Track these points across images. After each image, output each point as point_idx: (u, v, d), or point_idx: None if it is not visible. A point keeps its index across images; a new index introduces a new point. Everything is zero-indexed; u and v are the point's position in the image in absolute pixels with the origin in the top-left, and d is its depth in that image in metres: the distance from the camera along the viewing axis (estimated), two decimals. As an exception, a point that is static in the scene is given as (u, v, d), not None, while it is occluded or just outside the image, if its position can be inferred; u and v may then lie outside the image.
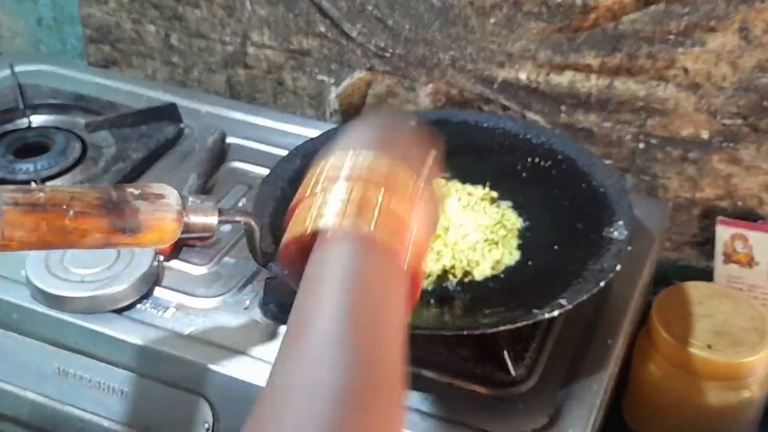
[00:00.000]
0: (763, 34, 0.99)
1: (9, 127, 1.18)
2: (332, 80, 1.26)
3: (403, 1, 1.15)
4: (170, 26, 1.34)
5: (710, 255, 1.12)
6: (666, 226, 1.06)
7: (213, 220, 0.77)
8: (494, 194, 0.96)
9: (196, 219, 0.76)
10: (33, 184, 1.00)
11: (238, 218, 0.82)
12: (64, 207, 0.68)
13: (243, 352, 0.84)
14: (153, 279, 0.91)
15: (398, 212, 0.59)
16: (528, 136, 1.02)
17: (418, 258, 0.61)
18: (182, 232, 0.75)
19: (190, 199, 0.77)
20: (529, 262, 0.88)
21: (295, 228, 0.61)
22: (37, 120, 1.21)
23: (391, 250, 0.58)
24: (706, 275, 1.10)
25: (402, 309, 0.57)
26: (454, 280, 0.86)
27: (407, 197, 0.61)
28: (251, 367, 0.82)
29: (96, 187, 0.72)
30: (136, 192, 0.73)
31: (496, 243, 0.89)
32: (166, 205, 0.73)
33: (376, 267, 0.57)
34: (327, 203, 0.59)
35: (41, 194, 0.68)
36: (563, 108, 1.13)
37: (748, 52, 1.01)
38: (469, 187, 0.97)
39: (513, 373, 0.81)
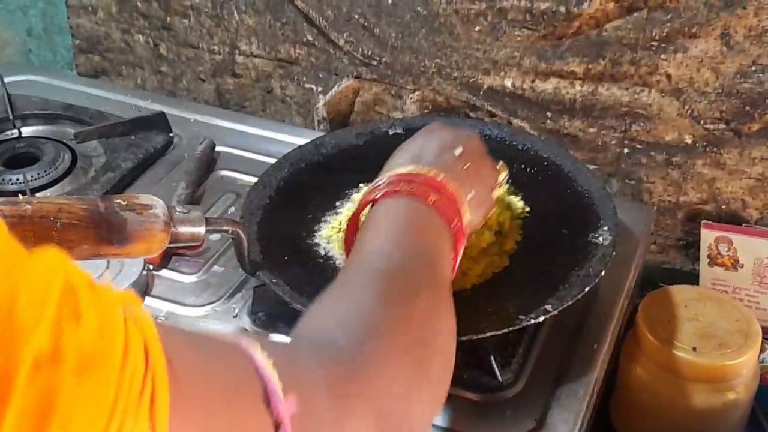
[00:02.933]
0: (745, 40, 1.01)
1: (-2, 137, 1.18)
2: (320, 88, 1.27)
3: (389, 9, 1.16)
4: (159, 36, 1.35)
5: (695, 258, 1.13)
6: (651, 230, 1.07)
7: (200, 229, 0.78)
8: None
9: (183, 229, 0.77)
10: (21, 196, 1.01)
11: (225, 227, 0.82)
12: (52, 219, 0.69)
13: (232, 360, 0.84)
14: (142, 288, 0.92)
15: (448, 187, 0.72)
16: (514, 143, 1.03)
17: (463, 231, 0.72)
18: (170, 242, 0.76)
19: (178, 209, 0.78)
20: (515, 268, 0.89)
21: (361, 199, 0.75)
22: (27, 130, 1.21)
23: (437, 205, 0.70)
24: (692, 278, 1.11)
25: (443, 248, 0.69)
26: None
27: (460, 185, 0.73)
28: (240, 375, 0.83)
29: (83, 199, 0.72)
30: (124, 203, 0.74)
31: (485, 250, 0.89)
32: (153, 216, 0.74)
33: (422, 212, 0.70)
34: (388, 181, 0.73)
35: (28, 206, 0.69)
36: (548, 114, 1.14)
37: (730, 57, 1.02)
38: None
39: (500, 378, 0.81)
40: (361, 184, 0.99)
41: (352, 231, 0.76)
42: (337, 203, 0.97)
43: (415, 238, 0.67)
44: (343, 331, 0.55)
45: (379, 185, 0.73)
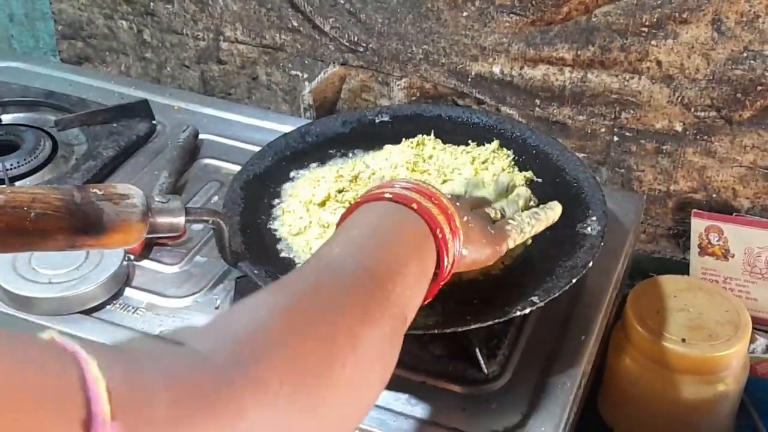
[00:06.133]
0: (736, 26, 0.99)
1: (-22, 125, 1.16)
2: (306, 75, 1.25)
3: (375, -6, 1.14)
4: (142, 22, 1.33)
5: (686, 247, 1.12)
6: (641, 219, 1.05)
7: (180, 220, 0.76)
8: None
9: (162, 219, 0.75)
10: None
11: (205, 217, 0.80)
12: (25, 209, 0.67)
13: (213, 353, 0.83)
14: (123, 279, 0.90)
15: (442, 201, 0.67)
16: (502, 131, 1.01)
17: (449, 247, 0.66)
18: (148, 233, 0.74)
19: (156, 199, 0.76)
20: (502, 259, 0.87)
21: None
22: (7, 118, 1.19)
23: (425, 212, 0.64)
24: (682, 267, 1.10)
25: (420, 258, 0.63)
26: None
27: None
28: (222, 368, 0.81)
29: (59, 188, 0.70)
30: (100, 192, 0.72)
31: None
32: (130, 206, 0.72)
33: (400, 216, 0.65)
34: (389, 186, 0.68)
35: (1, 196, 0.66)
36: (537, 101, 1.12)
37: (722, 43, 1.00)
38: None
39: (485, 370, 0.80)
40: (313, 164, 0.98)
41: None
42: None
43: (373, 246, 0.61)
44: (223, 348, 0.47)
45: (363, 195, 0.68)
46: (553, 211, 0.82)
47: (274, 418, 0.46)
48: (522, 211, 0.82)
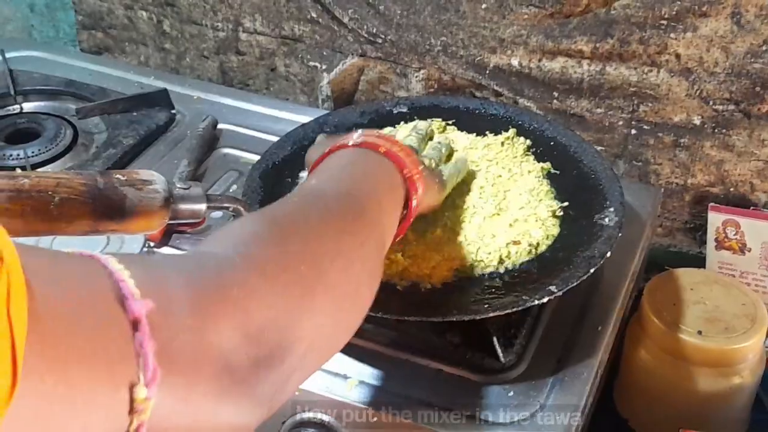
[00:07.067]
0: (756, 19, 0.99)
1: (0, 113, 1.17)
2: (324, 66, 1.25)
3: (394, -14, 1.14)
4: (162, 12, 1.33)
5: (702, 241, 1.11)
6: (657, 212, 1.05)
7: (201, 206, 0.77)
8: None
9: (183, 206, 0.76)
10: (19, 170, 1.00)
11: (226, 204, 0.81)
12: (50, 193, 0.68)
13: (232, 339, 0.83)
14: (143, 266, 0.91)
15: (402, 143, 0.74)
16: (520, 122, 1.01)
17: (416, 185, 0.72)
18: (170, 219, 0.75)
19: (178, 185, 0.76)
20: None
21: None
22: (29, 106, 1.20)
23: (392, 155, 0.70)
24: (699, 261, 1.10)
25: (392, 192, 0.69)
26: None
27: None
28: (240, 354, 0.82)
29: (82, 174, 0.71)
30: (123, 178, 0.72)
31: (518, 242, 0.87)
32: (153, 192, 0.73)
33: (370, 158, 0.70)
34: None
35: (26, 180, 0.67)
36: (555, 94, 1.13)
37: (741, 37, 1.00)
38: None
39: (503, 359, 0.80)
40: None
41: None
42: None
43: (349, 177, 0.67)
44: (225, 250, 0.53)
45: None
46: (463, 162, 0.91)
47: (274, 309, 0.50)
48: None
